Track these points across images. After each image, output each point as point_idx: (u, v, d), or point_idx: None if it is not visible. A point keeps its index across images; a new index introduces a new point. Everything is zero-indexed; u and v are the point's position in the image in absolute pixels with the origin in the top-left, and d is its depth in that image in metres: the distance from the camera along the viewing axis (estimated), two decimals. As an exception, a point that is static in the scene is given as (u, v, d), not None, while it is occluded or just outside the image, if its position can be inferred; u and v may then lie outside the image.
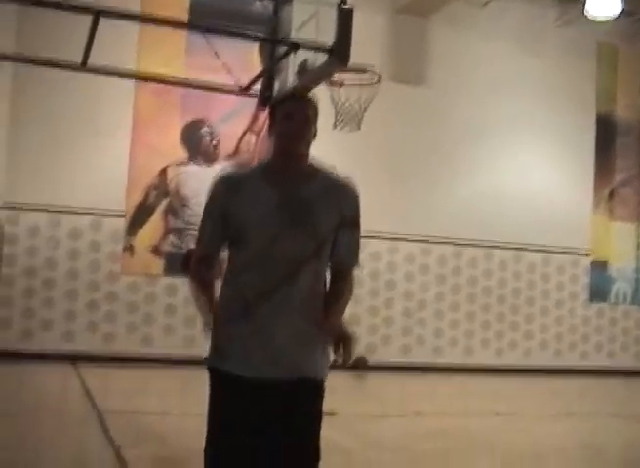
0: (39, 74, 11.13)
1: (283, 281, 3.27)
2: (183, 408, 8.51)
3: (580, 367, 14.98)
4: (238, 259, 3.36)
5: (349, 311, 3.37)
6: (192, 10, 12.76)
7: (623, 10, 13.62)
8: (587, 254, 15.43)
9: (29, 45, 11.00)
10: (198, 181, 12.42)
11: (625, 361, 15.54)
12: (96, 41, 8.22)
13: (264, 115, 11.39)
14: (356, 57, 7.45)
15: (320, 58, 7.43)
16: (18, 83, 11.84)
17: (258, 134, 13.20)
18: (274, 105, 3.52)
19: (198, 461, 3.43)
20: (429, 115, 14.26)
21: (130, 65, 11.62)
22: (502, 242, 14.65)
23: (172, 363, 12.18)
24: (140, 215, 12.85)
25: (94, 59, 8.62)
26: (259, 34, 10.56)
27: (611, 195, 15.67)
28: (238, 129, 13.12)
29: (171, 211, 12.98)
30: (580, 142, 15.34)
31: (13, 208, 12.08)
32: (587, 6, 13.74)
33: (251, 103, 11.18)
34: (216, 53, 9.01)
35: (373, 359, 13.50)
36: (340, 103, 10.03)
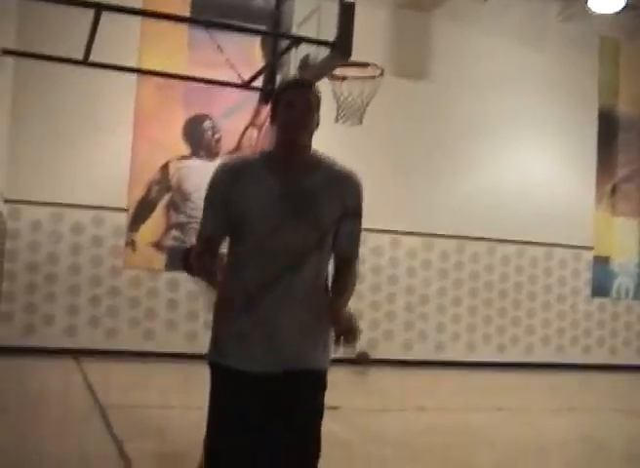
0: (41, 69, 11.14)
1: (286, 272, 3.24)
2: (185, 402, 8.51)
3: (581, 361, 15.00)
4: (239, 251, 3.33)
5: (351, 306, 3.35)
6: (194, 4, 12.76)
7: (626, 4, 13.59)
8: (590, 249, 15.42)
9: (31, 40, 11.00)
10: (200, 176, 12.40)
11: (627, 356, 15.54)
12: (97, 36, 8.20)
13: (266, 110, 11.38)
14: (358, 51, 7.43)
15: (322, 53, 7.41)
16: (19, 78, 11.83)
17: (260, 128, 13.19)
18: (276, 94, 3.45)
19: (200, 455, 3.43)
20: (431, 110, 14.25)
21: (132, 60, 11.62)
22: (505, 236, 14.65)
23: (174, 357, 12.20)
24: (142, 210, 12.86)
25: (96, 54, 8.59)
26: (261, 29, 10.54)
27: (613, 190, 15.65)
28: (240, 123, 13.12)
29: (173, 205, 12.99)
30: (582, 137, 15.33)
31: (15, 202, 12.08)
32: (590, 0, 13.73)
33: (253, 98, 11.16)
34: (219, 46, 8.99)
35: (375, 354, 13.54)
36: (342, 98, 10.00)
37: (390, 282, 14.09)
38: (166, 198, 12.98)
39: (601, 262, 15.50)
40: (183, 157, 13.10)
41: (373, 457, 6.76)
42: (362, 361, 13.25)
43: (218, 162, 3.39)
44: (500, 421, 8.87)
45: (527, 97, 14.86)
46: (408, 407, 9.67)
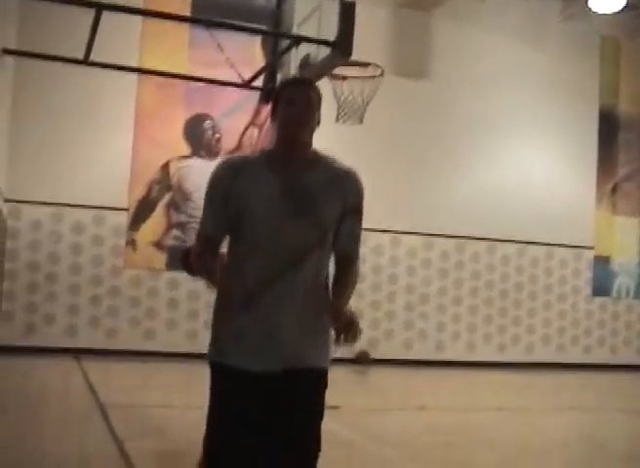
0: (41, 69, 11.15)
1: (286, 270, 3.22)
2: (186, 401, 8.51)
3: (582, 361, 15.00)
4: (239, 249, 3.31)
5: (352, 305, 3.34)
6: (194, 4, 12.76)
7: (627, 4, 13.59)
8: (590, 249, 15.42)
9: (31, 39, 11.01)
10: (201, 176, 12.39)
11: (628, 355, 15.54)
12: (98, 35, 8.20)
13: (267, 110, 11.38)
14: (359, 50, 7.44)
15: (322, 52, 7.41)
16: (20, 77, 11.84)
17: (260, 128, 13.21)
18: (276, 91, 3.43)
19: (199, 454, 3.42)
20: (432, 109, 14.26)
21: (132, 60, 11.62)
22: (505, 236, 14.65)
23: (174, 357, 12.20)
24: (142, 210, 12.86)
25: (96, 54, 8.60)
26: (261, 28, 10.54)
27: (614, 189, 15.65)
28: (241, 123, 13.14)
29: (173, 205, 12.99)
30: (582, 136, 15.33)
31: (15, 202, 12.08)
32: (590, 0, 13.72)
33: (253, 98, 11.17)
34: (219, 46, 8.98)
35: (375, 353, 13.54)
36: (342, 97, 10.01)
37: (390, 281, 14.09)
38: (166, 197, 12.98)
39: (602, 262, 15.50)
40: (184, 156, 13.10)
41: (373, 457, 6.75)
42: (362, 360, 13.26)
43: (218, 161, 3.37)
44: (501, 421, 8.86)
45: (527, 96, 14.87)
46: (408, 406, 9.66)
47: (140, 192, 12.86)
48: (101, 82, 11.72)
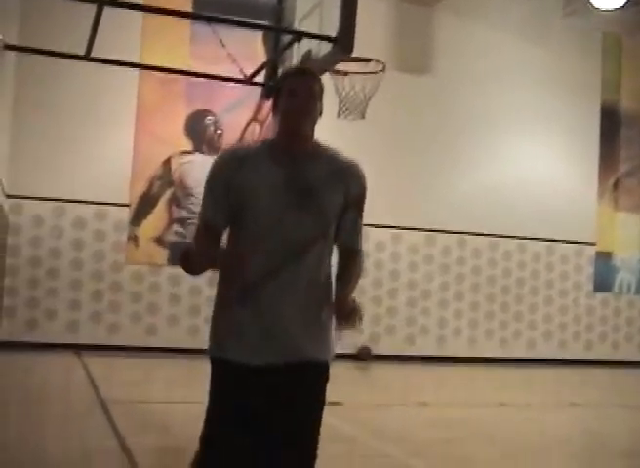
0: (43, 64, 11.13)
1: (288, 262, 3.18)
2: (188, 396, 8.51)
3: (583, 357, 15.01)
4: (240, 240, 3.26)
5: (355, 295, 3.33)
6: (196, -1, 12.76)
7: (628, 0, 13.57)
8: (592, 244, 15.42)
9: (33, 35, 10.99)
10: (202, 171, 12.24)
11: (629, 351, 15.55)
12: (99, 30, 8.19)
13: (269, 105, 11.36)
14: (360, 46, 7.42)
15: (324, 48, 7.40)
16: (21, 73, 11.84)
17: (262, 124, 13.20)
18: (278, 82, 3.39)
19: (195, 450, 3.40)
20: (434, 105, 14.25)
21: (134, 55, 11.60)
22: (507, 231, 14.65)
23: (176, 352, 12.21)
24: (144, 205, 12.87)
25: (97, 49, 8.58)
26: (263, 24, 10.53)
27: (615, 185, 15.65)
28: (242, 119, 13.14)
29: (175, 200, 12.99)
30: (584, 133, 15.33)
31: (17, 198, 12.09)
32: (593, -4, 13.73)
33: (255, 93, 11.18)
34: (221, 41, 8.96)
35: (377, 349, 13.55)
36: (344, 93, 10.00)
37: (392, 277, 14.09)
38: (168, 193, 12.98)
39: (603, 257, 15.50)
40: (185, 152, 13.10)
41: (374, 452, 6.76)
42: (364, 356, 13.26)
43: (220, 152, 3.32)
44: (502, 416, 8.87)
45: (529, 92, 14.86)
46: (410, 402, 9.67)
47: (141, 188, 12.86)
48: (103, 78, 11.71)
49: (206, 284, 12.04)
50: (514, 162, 14.76)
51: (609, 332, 15.53)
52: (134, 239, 12.79)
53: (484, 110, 14.49)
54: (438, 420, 8.25)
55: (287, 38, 8.27)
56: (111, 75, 11.42)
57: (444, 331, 14.36)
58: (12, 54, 10.41)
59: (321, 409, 3.31)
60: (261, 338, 3.19)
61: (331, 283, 3.35)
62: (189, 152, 13.11)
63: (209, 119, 13.24)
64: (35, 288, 12.29)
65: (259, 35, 12.62)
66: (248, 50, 11.73)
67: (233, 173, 3.23)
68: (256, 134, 13.15)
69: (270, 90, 8.64)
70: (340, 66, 9.14)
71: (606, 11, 14.03)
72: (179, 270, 3.63)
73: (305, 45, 7.81)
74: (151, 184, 12.91)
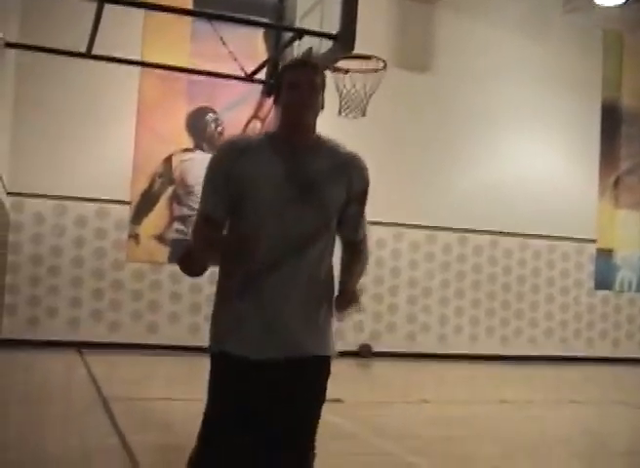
0: (43, 62, 11.13)
1: (290, 256, 3.14)
2: (188, 394, 8.51)
3: (584, 354, 15.01)
4: (241, 229, 3.20)
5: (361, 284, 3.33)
6: (197, -3, 12.75)
7: (630, -3, 13.59)
8: (593, 242, 15.41)
9: (33, 32, 10.99)
10: (203, 169, 12.32)
11: (630, 348, 15.55)
12: (100, 28, 8.20)
13: (269, 102, 11.37)
14: (361, 43, 7.43)
15: (325, 45, 7.41)
16: (22, 70, 11.83)
17: (263, 121, 13.19)
18: (279, 75, 3.33)
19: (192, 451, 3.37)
20: (434, 102, 14.24)
21: (135, 53, 11.61)
22: (507, 229, 14.65)
23: (177, 350, 12.22)
24: (145, 203, 12.87)
25: (98, 47, 8.60)
26: (264, 21, 10.53)
27: (616, 183, 15.64)
28: (243, 116, 13.13)
29: (176, 198, 12.99)
30: (585, 130, 15.32)
31: (18, 195, 12.09)
32: (594, -7, 13.73)
33: (256, 91, 11.18)
34: (222, 39, 8.97)
35: (377, 346, 13.55)
36: (345, 90, 10.00)
37: (393, 274, 14.10)
38: (169, 191, 12.98)
39: (604, 255, 15.49)
40: (186, 150, 13.10)
41: (375, 450, 6.76)
42: (365, 353, 13.27)
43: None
44: (503, 414, 8.87)
45: (530, 89, 14.85)
46: (411, 399, 9.67)
47: (142, 185, 12.86)
48: (104, 75, 11.72)
49: (206, 282, 12.03)
50: (515, 159, 14.76)
51: (610, 330, 15.53)
52: (135, 237, 12.79)
53: (485, 108, 14.49)
54: (439, 418, 8.25)
55: (288, 36, 8.29)
56: (112, 73, 11.42)
57: (445, 328, 14.37)
58: (12, 52, 10.42)
59: (321, 405, 3.28)
60: (262, 332, 3.15)
61: (332, 279, 3.32)
62: (190, 150, 13.11)
63: (210, 116, 13.24)
64: (36, 285, 12.30)
65: (259, 33, 12.62)
66: (249, 47, 11.73)
67: (233, 163, 3.19)
68: (257, 131, 13.14)
69: (271, 87, 8.65)
70: (341, 64, 9.14)
71: (607, 8, 14.02)
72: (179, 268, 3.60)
73: (306, 42, 7.82)
74: (152, 182, 12.91)
